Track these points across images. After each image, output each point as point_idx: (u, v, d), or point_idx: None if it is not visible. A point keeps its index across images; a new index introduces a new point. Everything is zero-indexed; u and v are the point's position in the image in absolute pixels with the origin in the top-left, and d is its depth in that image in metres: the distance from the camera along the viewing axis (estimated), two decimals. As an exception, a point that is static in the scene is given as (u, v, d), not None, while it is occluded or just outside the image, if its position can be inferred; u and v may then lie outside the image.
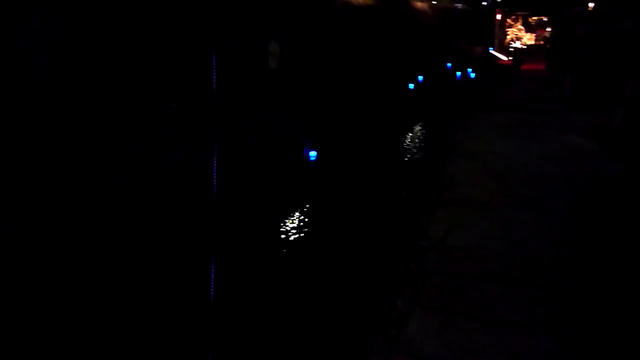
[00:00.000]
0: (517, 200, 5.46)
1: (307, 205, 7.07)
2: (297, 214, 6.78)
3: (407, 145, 10.87)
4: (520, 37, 35.06)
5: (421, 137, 11.60)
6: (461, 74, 19.50)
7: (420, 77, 16.78)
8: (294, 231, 6.22)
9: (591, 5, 26.23)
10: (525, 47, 32.90)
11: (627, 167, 6.50)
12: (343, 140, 10.51)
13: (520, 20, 34.75)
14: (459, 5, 47.97)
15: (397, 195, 7.45)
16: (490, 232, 4.67)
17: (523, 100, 12.47)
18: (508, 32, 34.15)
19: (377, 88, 15.09)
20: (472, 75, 19.38)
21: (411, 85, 15.85)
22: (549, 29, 30.62)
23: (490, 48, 27.43)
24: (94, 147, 7.62)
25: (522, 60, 21.69)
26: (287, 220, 6.55)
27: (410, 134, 11.85)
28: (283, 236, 6.09)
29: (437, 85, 16.97)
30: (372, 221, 6.50)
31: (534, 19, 34.99)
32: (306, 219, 6.59)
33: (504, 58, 24.86)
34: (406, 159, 9.78)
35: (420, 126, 12.72)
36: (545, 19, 33.01)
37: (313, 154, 8.40)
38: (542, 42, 30.95)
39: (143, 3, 11.06)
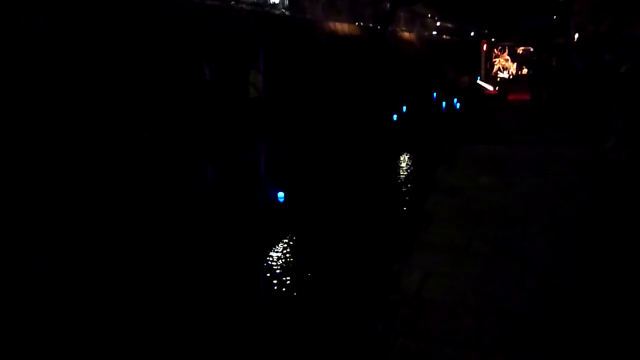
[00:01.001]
0: (498, 245, 5.04)
1: (261, 259, 6.39)
2: (248, 268, 6.15)
3: (387, 180, 10.47)
4: (507, 67, 35.42)
5: (401, 172, 11.23)
6: (446, 104, 19.37)
7: (404, 108, 16.57)
8: (242, 293, 5.56)
9: (576, 35, 26.52)
10: (511, 77, 33.16)
11: (615, 207, 6.14)
12: (318, 176, 10.01)
13: (507, 51, 35.13)
14: (446, 36, 48.75)
15: (371, 238, 6.97)
16: (469, 283, 4.23)
17: (509, 131, 12.21)
18: (495, 63, 34.47)
19: (360, 119, 14.79)
20: (458, 105, 19.25)
21: (394, 117, 15.62)
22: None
23: (477, 78, 27.53)
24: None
25: (508, 90, 21.65)
26: (233, 280, 5.81)
27: (390, 168, 11.50)
28: (230, 301, 5.39)
29: (421, 116, 16.76)
30: (340, 272, 6.04)
31: (521, 49, 35.42)
32: (261, 275, 5.99)
33: (490, 88, 24.89)
34: (384, 195, 9.34)
35: (401, 159, 12.36)
36: (531, 49, 33.39)
37: (281, 195, 7.86)
38: (525, 72, 31.20)
39: (115, 29, 10.77)
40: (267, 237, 7.01)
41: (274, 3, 21.14)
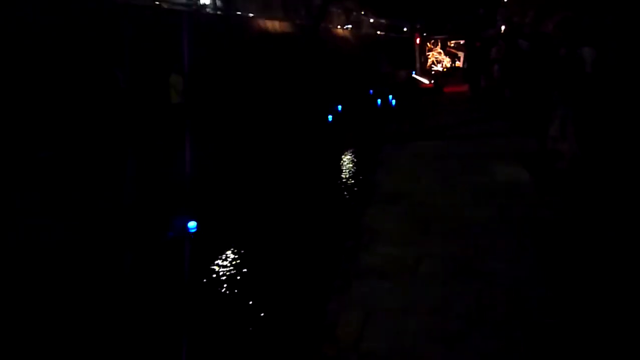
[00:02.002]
0: (449, 263, 4.28)
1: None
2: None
3: (321, 189, 9.54)
4: (441, 60, 35.71)
5: (337, 178, 10.29)
6: (383, 100, 18.83)
7: (340, 107, 15.83)
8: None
9: (503, 28, 27.04)
10: (445, 69, 33.40)
11: (565, 205, 5.58)
12: (243, 190, 8.89)
13: (440, 44, 35.41)
14: (381, 32, 48.86)
15: (302, 268, 6.06)
16: (420, 321, 3.42)
17: (448, 125, 11.71)
18: (429, 56, 34.63)
19: (293, 122, 13.87)
20: (393, 102, 18.75)
21: (330, 117, 14.81)
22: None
23: (413, 72, 27.37)
24: None
25: (443, 83, 21.48)
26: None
27: (325, 174, 10.58)
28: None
29: (357, 115, 16.07)
30: (262, 321, 5.12)
31: (452, 43, 35.81)
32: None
33: (426, 82, 24.73)
34: (318, 209, 8.33)
35: (337, 163, 11.44)
36: (462, 42, 33.79)
37: (192, 224, 6.64)
38: (459, 65, 31.49)
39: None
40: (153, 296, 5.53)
41: (203, 4, 19.96)
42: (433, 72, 30.26)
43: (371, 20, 50.59)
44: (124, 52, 12.24)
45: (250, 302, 5.62)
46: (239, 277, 6.18)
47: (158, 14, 14.89)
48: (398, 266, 4.31)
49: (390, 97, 19.31)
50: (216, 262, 6.58)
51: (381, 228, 5.22)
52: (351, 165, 11.08)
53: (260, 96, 15.23)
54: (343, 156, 11.87)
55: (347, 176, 10.29)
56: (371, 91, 21.67)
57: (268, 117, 13.61)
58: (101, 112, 10.66)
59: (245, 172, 9.87)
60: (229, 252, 6.87)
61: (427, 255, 4.47)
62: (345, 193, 8.93)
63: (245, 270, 6.35)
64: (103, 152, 9.29)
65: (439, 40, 35.25)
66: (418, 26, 38.34)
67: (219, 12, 20.50)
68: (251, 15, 21.64)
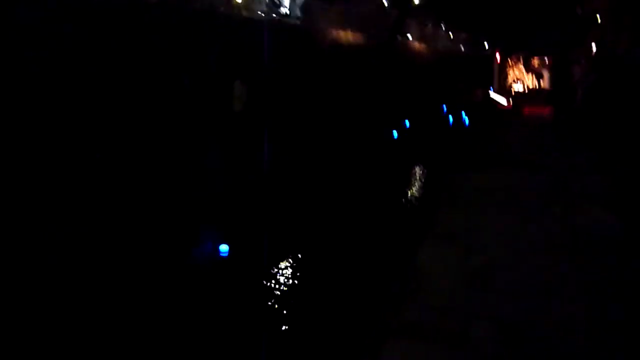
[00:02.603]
0: (507, 333, 3.56)
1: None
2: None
3: (373, 216, 8.49)
4: (522, 79, 33.75)
5: (392, 205, 9.25)
6: (454, 119, 17.78)
7: (407, 122, 15.06)
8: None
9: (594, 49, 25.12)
10: (527, 90, 31.47)
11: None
12: (286, 214, 8.23)
13: (522, 62, 33.48)
14: (459, 48, 47.36)
15: (342, 313, 5.37)
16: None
17: (526, 152, 10.70)
18: (509, 74, 32.85)
19: (355, 135, 13.25)
20: (466, 121, 17.66)
21: (394, 133, 14.04)
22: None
23: (491, 89, 25.98)
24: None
25: (523, 104, 20.11)
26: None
27: (379, 199, 9.53)
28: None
29: (426, 132, 15.17)
30: None
31: (536, 61, 33.75)
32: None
33: (504, 102, 23.32)
34: (364, 245, 7.31)
35: (395, 189, 10.35)
36: (546, 61, 31.75)
37: (225, 248, 6.20)
38: (543, 85, 29.55)
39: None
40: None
41: (285, 13, 20.12)
42: (512, 92, 28.60)
43: (450, 35, 49.26)
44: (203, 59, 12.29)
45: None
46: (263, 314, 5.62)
47: (232, 22, 14.94)
48: (442, 327, 3.65)
49: (464, 115, 18.23)
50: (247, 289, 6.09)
51: (431, 275, 4.56)
52: (410, 190, 10.18)
53: (328, 108, 14.87)
54: (403, 180, 10.95)
55: (404, 203, 9.43)
56: (444, 108, 20.64)
57: (333, 130, 13.17)
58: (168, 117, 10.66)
59: (299, 187, 9.41)
60: (255, 280, 6.34)
61: (479, 318, 3.77)
62: (399, 223, 8.09)
63: (271, 306, 5.77)
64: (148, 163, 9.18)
65: (521, 58, 33.35)
66: (499, 42, 36.62)
67: (296, 22, 20.49)
68: (322, 25, 21.40)
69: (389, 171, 11.08)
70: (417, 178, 10.79)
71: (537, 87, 31.66)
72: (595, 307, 3.89)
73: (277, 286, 6.12)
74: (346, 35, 23.61)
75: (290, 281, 6.29)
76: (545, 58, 31.41)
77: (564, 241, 5.38)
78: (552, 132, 13.16)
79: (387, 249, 6.79)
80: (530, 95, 27.33)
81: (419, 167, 11.81)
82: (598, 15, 24.00)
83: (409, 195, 9.62)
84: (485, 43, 43.88)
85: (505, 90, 28.12)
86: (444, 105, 21.00)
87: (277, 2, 25.30)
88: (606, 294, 4.12)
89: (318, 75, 16.43)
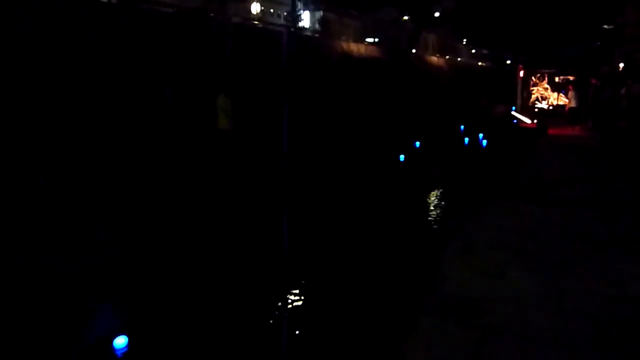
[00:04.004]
0: None
1: None
2: None
3: (354, 279, 6.37)
4: (546, 96, 32.02)
5: (384, 259, 6.96)
6: (474, 138, 16.16)
7: (418, 143, 13.52)
8: None
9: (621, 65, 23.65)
10: (551, 107, 29.72)
11: None
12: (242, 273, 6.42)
13: (546, 79, 31.79)
14: (480, 63, 45.85)
15: None
16: None
17: (552, 182, 9.13)
18: (533, 91, 31.19)
19: (355, 157, 11.70)
20: (484, 142, 16.00)
21: (402, 157, 12.40)
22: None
23: (513, 108, 24.38)
24: None
25: (548, 124, 18.44)
26: None
27: (368, 249, 7.33)
28: None
29: (438, 155, 13.55)
30: None
31: (561, 78, 32.05)
32: None
33: (528, 121, 21.68)
34: (344, 316, 5.44)
35: (391, 231, 8.11)
36: (571, 78, 30.10)
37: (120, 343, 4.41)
38: (569, 102, 27.83)
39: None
40: None
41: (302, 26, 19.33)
42: (536, 110, 26.89)
43: (472, 50, 47.82)
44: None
45: None
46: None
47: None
48: None
49: (481, 136, 16.53)
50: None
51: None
52: (410, 234, 7.94)
53: (332, 125, 13.48)
54: (403, 217, 8.93)
55: (398, 256, 7.08)
56: (462, 127, 18.99)
57: (332, 151, 11.73)
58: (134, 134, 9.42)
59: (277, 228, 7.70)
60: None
61: None
62: (389, 284, 6.10)
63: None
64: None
65: (545, 74, 31.68)
66: (522, 57, 35.09)
67: (307, 33, 19.50)
68: (335, 38, 20.25)
69: (388, 200, 9.34)
70: (421, 213, 8.99)
71: (563, 105, 29.89)
72: None
73: None
74: (358, 48, 22.38)
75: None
76: (570, 77, 29.77)
77: (614, 311, 3.85)
78: (581, 155, 11.57)
79: (368, 333, 4.96)
80: (553, 113, 25.67)
81: (424, 196, 10.09)
82: (630, 28, 22.48)
83: (409, 240, 7.54)
84: (508, 60, 42.37)
85: (528, 109, 26.49)
86: (462, 125, 19.39)
87: (296, 16, 25.35)
88: None
89: (323, 87, 15.13)
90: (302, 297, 5.85)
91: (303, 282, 6.16)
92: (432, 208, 9.19)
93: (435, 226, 7.41)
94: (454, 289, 4.45)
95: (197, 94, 10.79)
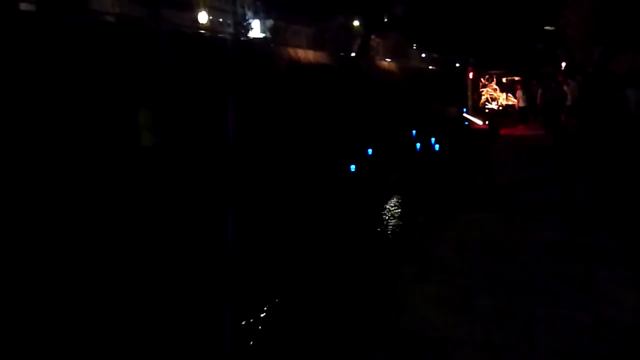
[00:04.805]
0: None
1: None
2: None
3: (288, 316, 5.70)
4: (496, 97, 32.49)
5: (326, 287, 6.13)
6: (421, 144, 15.74)
7: (370, 150, 12.99)
8: None
9: (563, 64, 24.33)
10: (501, 108, 30.13)
11: None
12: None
13: (495, 80, 32.27)
14: (431, 67, 46.37)
15: None
16: None
17: (509, 185, 8.70)
18: (482, 93, 31.58)
19: (301, 174, 10.91)
20: (436, 146, 15.67)
21: (352, 167, 11.76)
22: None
23: (464, 110, 24.44)
24: None
25: (500, 124, 18.36)
26: None
27: (308, 276, 6.55)
28: None
29: (391, 161, 13.03)
30: None
31: (508, 78, 32.70)
32: None
33: (479, 122, 21.66)
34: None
35: (336, 251, 7.31)
36: (517, 78, 30.73)
37: None
38: (518, 102, 28.28)
39: None
40: None
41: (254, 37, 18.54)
42: (487, 111, 27.11)
43: (422, 55, 48.27)
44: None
45: None
46: None
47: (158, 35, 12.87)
48: None
49: (433, 140, 16.14)
50: None
51: None
52: (358, 255, 7.09)
53: (277, 136, 12.74)
54: (352, 234, 8.12)
55: (342, 280, 6.27)
56: (414, 132, 18.66)
57: (276, 163, 10.96)
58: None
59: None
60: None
61: None
62: (335, 319, 5.29)
63: None
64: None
65: (494, 76, 32.18)
66: (471, 60, 35.57)
67: (257, 41, 18.87)
68: (282, 44, 19.61)
69: (336, 217, 8.48)
70: (371, 229, 8.24)
71: (512, 105, 30.35)
72: None
73: None
74: (307, 55, 21.81)
75: None
76: (516, 77, 30.35)
77: (591, 338, 3.25)
78: (535, 156, 11.33)
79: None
80: (503, 113, 25.93)
81: (376, 209, 9.39)
82: (567, 30, 23.06)
83: (357, 263, 6.70)
84: (457, 63, 43.04)
85: (479, 110, 26.67)
86: (414, 128, 19.08)
87: (245, 24, 24.92)
88: None
89: (270, 96, 14.40)
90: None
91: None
92: (384, 222, 8.53)
93: (388, 244, 6.73)
94: (408, 325, 3.78)
95: (123, 109, 9.81)
